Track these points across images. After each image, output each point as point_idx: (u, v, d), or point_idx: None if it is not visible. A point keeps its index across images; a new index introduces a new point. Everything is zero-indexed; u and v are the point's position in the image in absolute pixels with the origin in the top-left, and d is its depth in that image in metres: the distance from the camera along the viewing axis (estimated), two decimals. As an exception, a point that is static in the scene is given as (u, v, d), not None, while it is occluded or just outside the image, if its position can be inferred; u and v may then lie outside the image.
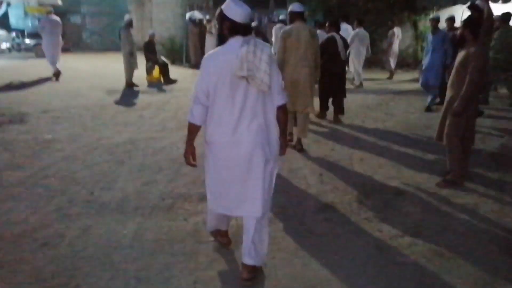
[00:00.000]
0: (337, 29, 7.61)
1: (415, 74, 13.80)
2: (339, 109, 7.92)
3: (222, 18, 2.69)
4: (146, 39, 12.85)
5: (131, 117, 8.27)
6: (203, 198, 4.15)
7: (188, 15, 16.23)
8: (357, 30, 11.22)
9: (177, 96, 10.64)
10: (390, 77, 13.37)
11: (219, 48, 2.73)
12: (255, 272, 2.99)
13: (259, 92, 2.67)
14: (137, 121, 7.92)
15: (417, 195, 4.68)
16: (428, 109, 8.76)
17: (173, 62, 16.34)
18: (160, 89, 11.53)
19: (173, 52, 16.63)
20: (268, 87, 2.62)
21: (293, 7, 5.78)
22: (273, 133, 2.81)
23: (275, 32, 11.61)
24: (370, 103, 9.85)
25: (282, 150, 2.92)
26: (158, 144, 6.41)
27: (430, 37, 8.64)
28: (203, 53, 15.96)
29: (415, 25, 14.73)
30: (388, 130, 7.46)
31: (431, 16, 6.28)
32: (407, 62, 15.65)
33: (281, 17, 12.17)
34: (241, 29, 2.66)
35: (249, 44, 2.59)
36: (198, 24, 15.84)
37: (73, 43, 17.40)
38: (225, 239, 3.35)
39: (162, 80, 12.70)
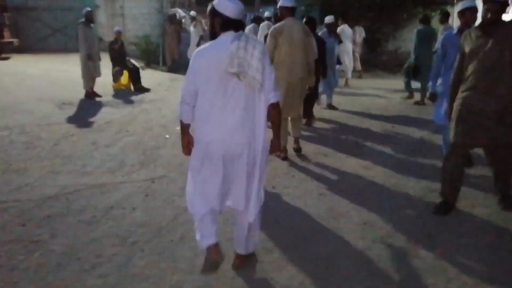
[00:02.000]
0: (313, 29, 6.35)
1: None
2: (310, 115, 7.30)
3: (214, 13, 2.65)
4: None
5: (80, 144, 6.11)
6: None
7: (170, 12, 14.30)
8: (341, 26, 10.98)
9: (147, 110, 8.48)
10: (346, 84, 11.43)
11: (208, 43, 2.68)
12: (248, 259, 3.04)
13: (250, 89, 2.60)
14: (86, 152, 5.76)
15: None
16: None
17: (149, 65, 14.20)
18: (128, 100, 9.35)
19: (149, 53, 14.48)
20: (260, 85, 2.57)
21: (284, 1, 5.28)
22: (263, 132, 2.72)
23: (261, 30, 10.40)
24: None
25: (274, 149, 2.84)
26: (105, 200, 4.25)
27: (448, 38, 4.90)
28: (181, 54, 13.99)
29: (427, 22, 12.79)
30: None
31: (461, 5, 4.06)
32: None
33: (266, 14, 10.37)
34: (233, 25, 2.62)
35: (240, 39, 2.55)
36: (174, 21, 13.72)
37: (30, 42, 15.00)
38: (217, 255, 2.76)
39: (132, 87, 10.52)
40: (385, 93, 10.52)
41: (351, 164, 5.37)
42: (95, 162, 5.37)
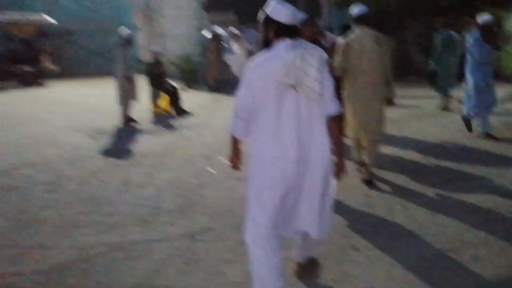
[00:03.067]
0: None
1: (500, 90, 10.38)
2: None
3: (267, 21, 2.51)
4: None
5: (109, 184, 5.18)
6: None
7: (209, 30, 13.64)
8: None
9: (188, 138, 7.52)
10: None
11: (264, 54, 2.50)
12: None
13: (309, 101, 2.44)
14: (115, 195, 4.81)
15: None
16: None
17: (190, 86, 13.42)
18: (167, 126, 8.46)
19: (190, 73, 13.73)
20: (319, 96, 2.40)
21: (358, 9, 4.73)
22: (325, 145, 2.52)
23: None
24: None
25: (339, 172, 2.60)
26: (130, 272, 3.21)
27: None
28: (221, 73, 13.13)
29: (497, 25, 11.30)
30: None
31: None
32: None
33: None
34: (288, 31, 2.47)
35: (297, 48, 2.40)
36: (216, 38, 12.91)
37: (70, 67, 14.62)
38: None
39: (172, 111, 9.67)
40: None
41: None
42: (125, 209, 4.40)
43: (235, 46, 12.66)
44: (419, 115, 8.52)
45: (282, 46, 2.45)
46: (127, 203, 4.58)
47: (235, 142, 2.68)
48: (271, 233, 2.51)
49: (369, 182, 4.76)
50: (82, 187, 5.10)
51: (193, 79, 13.60)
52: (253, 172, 2.56)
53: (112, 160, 6.20)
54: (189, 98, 11.44)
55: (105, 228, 3.96)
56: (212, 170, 5.59)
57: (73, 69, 14.65)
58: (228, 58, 12.48)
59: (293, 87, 2.38)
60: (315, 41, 4.21)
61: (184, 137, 7.56)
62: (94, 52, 14.99)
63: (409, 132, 7.13)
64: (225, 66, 13.10)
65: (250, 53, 12.23)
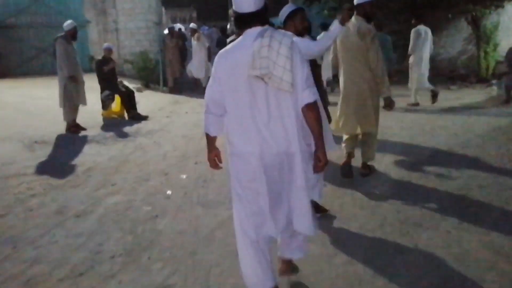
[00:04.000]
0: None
1: (478, 91, 9.85)
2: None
3: (233, 12, 2.41)
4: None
5: (39, 215, 4.08)
6: None
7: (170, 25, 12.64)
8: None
9: (143, 148, 6.45)
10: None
11: (232, 44, 2.39)
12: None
13: (281, 92, 2.29)
14: (43, 231, 3.73)
15: None
16: None
17: (147, 86, 12.27)
18: (119, 133, 7.34)
19: (147, 72, 12.56)
20: (291, 86, 2.24)
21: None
22: (301, 139, 2.38)
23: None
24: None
25: (318, 166, 2.38)
26: None
27: None
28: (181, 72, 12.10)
29: (474, 22, 10.79)
30: None
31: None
32: (459, 73, 11.67)
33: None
34: (245, 20, 2.33)
35: (264, 36, 2.24)
36: (176, 35, 11.86)
37: (11, 65, 13.11)
38: None
39: (125, 115, 8.54)
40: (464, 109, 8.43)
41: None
42: (53, 254, 3.33)
43: (194, 43, 11.70)
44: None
45: (248, 35, 2.32)
46: (57, 243, 3.51)
47: (210, 140, 2.54)
48: (259, 239, 2.44)
49: (365, 175, 4.75)
50: (2, 221, 3.98)
51: (150, 78, 12.46)
52: (232, 169, 2.46)
53: (47, 179, 5.07)
54: (146, 99, 10.35)
55: None
56: (169, 192, 4.59)
57: (14, 67, 13.12)
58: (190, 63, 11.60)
59: (262, 78, 2.23)
60: (303, 34, 3.62)
61: (138, 147, 6.49)
62: (39, 49, 13.49)
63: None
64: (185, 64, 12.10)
65: (209, 50, 11.41)
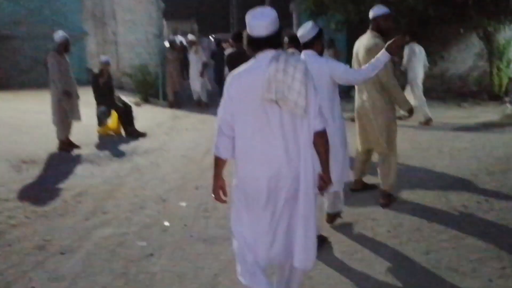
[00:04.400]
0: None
1: (491, 109, 9.42)
2: None
3: (246, 35, 2.39)
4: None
5: (16, 252, 3.59)
6: None
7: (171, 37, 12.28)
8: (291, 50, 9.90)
9: (140, 170, 5.99)
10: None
11: (244, 66, 2.38)
12: None
13: (294, 117, 2.30)
14: (18, 273, 3.23)
15: None
16: None
17: (146, 100, 11.84)
18: (115, 152, 6.88)
19: (146, 86, 12.14)
20: (304, 111, 2.25)
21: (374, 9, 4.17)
22: (311, 165, 2.35)
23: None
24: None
25: (322, 186, 2.42)
26: None
27: None
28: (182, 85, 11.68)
29: (487, 37, 10.39)
30: None
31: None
32: (470, 90, 11.25)
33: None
34: (260, 44, 2.32)
35: (279, 60, 2.25)
36: (177, 47, 11.48)
37: (8, 76, 12.70)
38: None
39: (122, 132, 8.09)
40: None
41: None
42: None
43: (191, 56, 11.34)
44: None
45: (262, 58, 2.31)
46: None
47: (219, 164, 2.45)
48: (260, 270, 2.39)
49: (385, 206, 4.32)
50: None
51: (150, 92, 12.03)
52: (237, 196, 2.42)
53: (32, 206, 4.59)
54: (145, 115, 9.90)
55: None
56: (167, 224, 4.11)
57: (10, 79, 12.69)
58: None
59: (276, 102, 2.23)
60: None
61: (135, 168, 6.02)
62: (36, 60, 13.04)
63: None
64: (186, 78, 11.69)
65: (204, 66, 11.07)
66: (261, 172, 2.30)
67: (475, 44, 11.12)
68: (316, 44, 3.52)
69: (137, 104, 11.06)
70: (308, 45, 3.53)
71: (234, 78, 2.34)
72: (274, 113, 2.27)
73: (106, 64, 8.07)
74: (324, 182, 2.41)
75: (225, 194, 2.50)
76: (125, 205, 4.62)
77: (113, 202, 4.73)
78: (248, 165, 2.34)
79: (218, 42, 14.06)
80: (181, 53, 12.01)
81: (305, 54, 3.52)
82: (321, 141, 2.36)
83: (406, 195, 4.64)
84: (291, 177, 2.30)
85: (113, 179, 5.55)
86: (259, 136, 2.30)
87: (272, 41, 2.30)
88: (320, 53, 3.58)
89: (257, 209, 2.35)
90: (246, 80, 2.31)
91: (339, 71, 3.38)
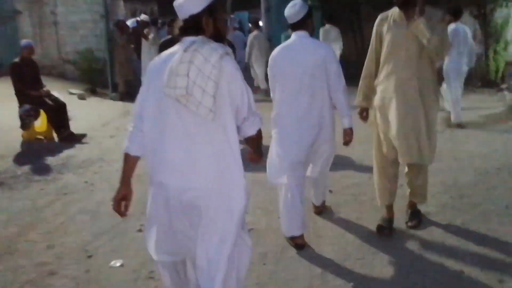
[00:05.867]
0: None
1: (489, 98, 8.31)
2: None
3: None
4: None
5: None
6: None
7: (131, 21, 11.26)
8: (254, 32, 9.95)
9: (68, 193, 4.48)
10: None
11: (166, 52, 2.08)
12: None
13: (203, 118, 1.94)
14: None
15: None
16: None
17: (94, 91, 10.17)
18: (40, 167, 5.30)
19: (93, 75, 10.46)
20: (209, 112, 1.90)
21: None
22: (235, 177, 2.05)
23: (251, 42, 9.72)
24: None
25: (252, 155, 2.24)
26: None
27: None
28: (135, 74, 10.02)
29: (482, 17, 9.23)
30: None
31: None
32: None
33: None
34: (181, 27, 2.02)
35: (188, 50, 1.90)
36: (126, 30, 9.80)
37: None
38: None
39: (55, 136, 6.46)
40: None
41: None
42: None
43: (143, 41, 9.75)
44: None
45: (178, 46, 2.00)
46: None
47: (128, 164, 2.10)
48: None
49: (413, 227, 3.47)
50: None
51: (97, 82, 10.36)
52: (150, 200, 2.13)
53: None
54: (89, 110, 8.27)
55: None
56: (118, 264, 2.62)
57: None
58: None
59: (178, 99, 1.89)
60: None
61: (61, 193, 4.48)
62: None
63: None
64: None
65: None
66: (161, 176, 2.03)
67: (468, 24, 9.97)
68: (307, 24, 3.27)
69: (82, 97, 9.43)
70: (297, 26, 3.26)
71: (152, 65, 2.09)
72: (179, 112, 1.96)
73: (28, 48, 6.34)
74: (252, 157, 2.25)
75: (126, 207, 2.13)
76: (29, 267, 3.08)
77: (12, 259, 3.19)
78: (157, 167, 2.05)
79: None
80: (132, 36, 10.29)
81: (297, 36, 3.27)
82: (252, 145, 2.20)
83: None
84: (200, 188, 1.99)
85: (24, 215, 3.98)
86: (165, 135, 2.00)
87: (191, 26, 1.98)
88: (311, 34, 3.33)
89: (166, 215, 2.05)
90: (159, 68, 1.99)
91: (331, 69, 3.18)
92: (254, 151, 2.23)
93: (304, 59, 3.14)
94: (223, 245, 1.99)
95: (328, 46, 3.59)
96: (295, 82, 3.16)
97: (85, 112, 8.04)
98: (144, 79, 2.11)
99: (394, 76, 3.16)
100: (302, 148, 3.19)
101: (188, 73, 1.86)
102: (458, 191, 4.14)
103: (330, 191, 4.14)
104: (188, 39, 1.95)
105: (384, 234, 3.35)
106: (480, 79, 9.56)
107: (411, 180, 3.45)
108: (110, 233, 3.57)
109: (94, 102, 9.39)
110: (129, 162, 2.09)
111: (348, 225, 3.60)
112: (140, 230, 3.54)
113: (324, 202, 3.81)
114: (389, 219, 3.41)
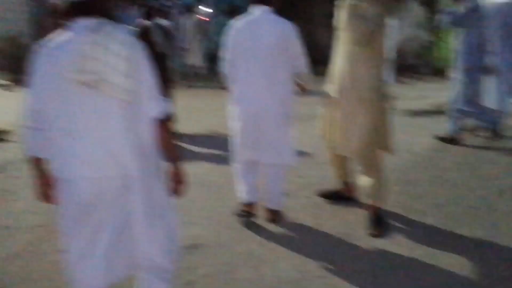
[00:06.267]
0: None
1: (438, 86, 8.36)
2: None
3: None
4: None
5: None
6: None
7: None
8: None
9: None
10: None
11: (57, 35, 1.90)
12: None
13: (116, 102, 1.87)
14: None
15: None
16: None
17: (20, 81, 9.37)
18: None
19: (19, 63, 9.62)
20: (127, 94, 1.85)
21: None
22: (145, 159, 1.97)
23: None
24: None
25: (174, 186, 2.08)
26: None
27: None
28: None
29: (428, 3, 9.33)
30: None
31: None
32: (409, 64, 10.22)
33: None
34: (75, 7, 1.86)
35: (98, 32, 1.83)
36: (53, 11, 9.01)
37: None
38: None
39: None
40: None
41: None
42: None
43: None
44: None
45: (78, 28, 1.85)
46: None
47: (36, 166, 2.01)
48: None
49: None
50: None
51: (24, 71, 9.53)
52: (61, 199, 1.99)
53: None
54: (12, 103, 7.42)
55: None
56: None
57: None
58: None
59: (90, 84, 1.81)
60: None
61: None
62: None
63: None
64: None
65: None
66: (77, 171, 1.89)
67: (414, 11, 10.09)
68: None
69: (7, 88, 8.72)
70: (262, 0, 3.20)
71: (42, 53, 1.88)
72: (89, 98, 1.84)
73: None
74: (176, 180, 2.05)
75: (49, 192, 2.01)
76: None
77: None
78: (62, 163, 1.90)
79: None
80: (55, 17, 9.57)
81: (260, 11, 3.18)
82: (159, 130, 1.97)
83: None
84: (121, 176, 1.91)
85: None
86: (75, 127, 1.86)
87: (95, 5, 1.86)
88: (278, 12, 3.25)
89: (82, 216, 1.93)
90: (57, 55, 1.83)
91: (294, 49, 3.19)
92: (166, 149, 2.03)
93: (269, 33, 3.08)
94: (152, 220, 2.00)
95: (291, 23, 3.38)
96: (257, 58, 3.10)
97: (6, 105, 7.28)
98: (33, 69, 1.90)
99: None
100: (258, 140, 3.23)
101: (98, 56, 1.80)
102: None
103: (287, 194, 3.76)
104: (89, 22, 1.85)
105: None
106: (428, 67, 9.72)
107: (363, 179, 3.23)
108: (29, 266, 2.97)
109: (20, 94, 8.56)
110: (36, 164, 2.00)
111: (306, 234, 3.23)
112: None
113: (280, 207, 3.44)
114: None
